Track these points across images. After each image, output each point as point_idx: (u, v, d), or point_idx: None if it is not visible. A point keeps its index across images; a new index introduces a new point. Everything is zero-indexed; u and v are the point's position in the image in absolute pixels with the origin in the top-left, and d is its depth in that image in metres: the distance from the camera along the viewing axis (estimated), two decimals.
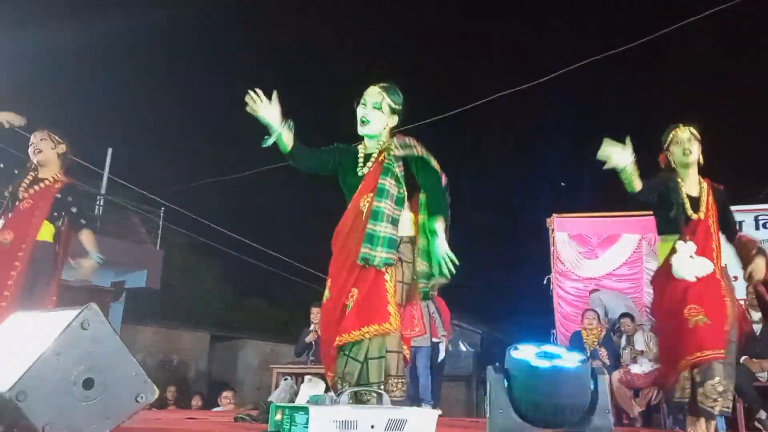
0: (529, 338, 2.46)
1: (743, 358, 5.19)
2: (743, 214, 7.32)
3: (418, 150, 3.00)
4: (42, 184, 3.87)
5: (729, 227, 3.71)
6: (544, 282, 7.88)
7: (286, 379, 6.52)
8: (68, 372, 2.14)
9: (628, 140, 3.25)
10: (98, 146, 11.41)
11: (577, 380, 2.37)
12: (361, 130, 3.01)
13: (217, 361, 13.02)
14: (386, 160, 2.94)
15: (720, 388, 3.25)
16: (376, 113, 2.97)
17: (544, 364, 2.31)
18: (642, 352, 6.07)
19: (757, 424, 5.02)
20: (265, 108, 2.90)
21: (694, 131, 3.58)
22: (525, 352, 2.36)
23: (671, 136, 3.61)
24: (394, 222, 2.86)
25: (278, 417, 1.90)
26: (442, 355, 6.80)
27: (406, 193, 2.95)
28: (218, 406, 8.29)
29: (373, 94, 3.00)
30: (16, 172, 3.96)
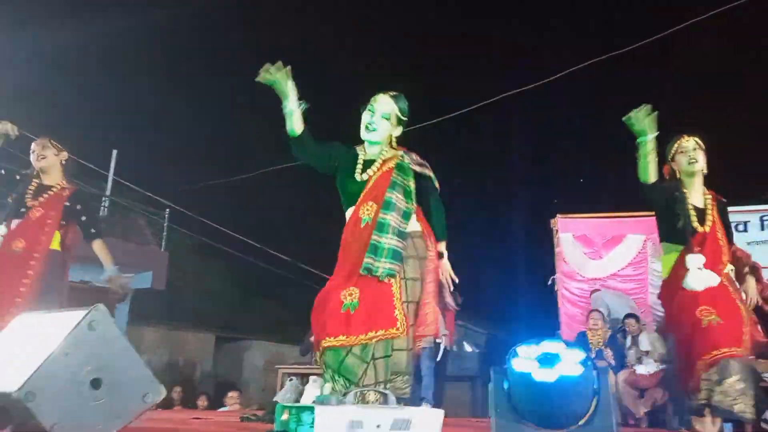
0: (533, 337, 2.46)
1: (749, 358, 5.19)
2: (749, 215, 7.32)
3: (429, 170, 3.04)
4: (50, 192, 3.88)
5: (730, 239, 3.73)
6: (549, 282, 7.88)
7: (291, 380, 6.54)
8: (76, 372, 2.17)
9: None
10: (103, 148, 11.45)
11: (580, 386, 2.37)
12: (365, 136, 3.02)
13: (222, 362, 13.03)
14: (394, 174, 2.95)
15: (739, 386, 3.24)
16: (384, 122, 2.99)
17: (545, 376, 2.30)
18: (647, 352, 6.07)
19: (763, 424, 5.01)
20: (281, 75, 2.89)
21: (699, 141, 3.60)
22: (525, 362, 2.35)
23: (676, 145, 3.63)
24: (401, 234, 2.87)
25: (284, 417, 1.91)
26: (440, 355, 6.77)
27: (414, 207, 2.97)
28: (224, 406, 8.32)
29: (384, 102, 3.00)
30: (18, 178, 3.96)
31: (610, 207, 8.19)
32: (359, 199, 2.93)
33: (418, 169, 3.00)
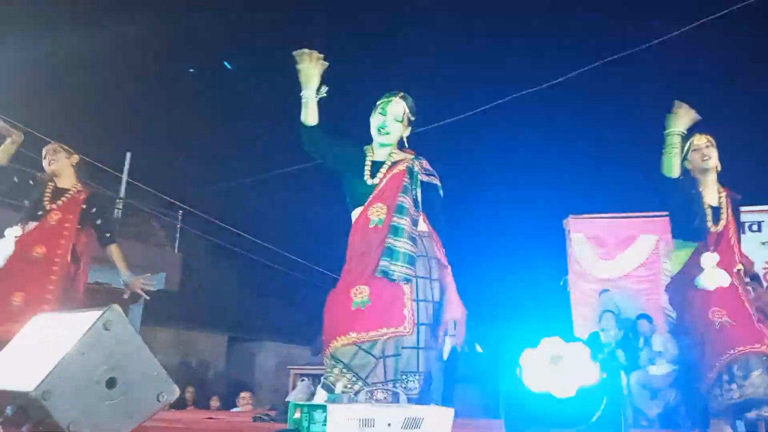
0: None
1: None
2: (762, 214, 7.26)
3: (437, 179, 3.05)
4: (67, 195, 3.92)
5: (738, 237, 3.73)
6: (561, 283, 7.86)
7: (303, 380, 6.57)
8: (92, 372, 2.19)
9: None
10: (117, 150, 11.53)
11: (589, 394, 2.37)
12: (378, 139, 3.03)
13: (235, 363, 13.09)
14: (406, 179, 2.96)
15: (764, 377, 3.25)
16: (397, 125, 3.01)
17: (555, 390, 2.30)
18: (659, 353, 6.04)
19: None
20: (315, 63, 2.93)
21: (711, 139, 3.61)
22: (534, 371, 2.35)
23: (688, 144, 3.63)
24: (413, 239, 2.89)
25: (297, 415, 1.93)
26: (446, 354, 6.73)
27: (421, 216, 2.99)
28: (236, 407, 8.36)
29: (396, 105, 3.02)
30: (31, 183, 4.00)
31: (622, 207, 8.16)
32: (368, 201, 2.94)
33: (425, 178, 3.01)
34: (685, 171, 3.68)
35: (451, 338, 6.64)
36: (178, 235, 11.90)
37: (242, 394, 8.46)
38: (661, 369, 5.96)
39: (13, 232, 3.79)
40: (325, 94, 2.97)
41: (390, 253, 2.79)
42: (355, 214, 2.98)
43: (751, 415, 3.31)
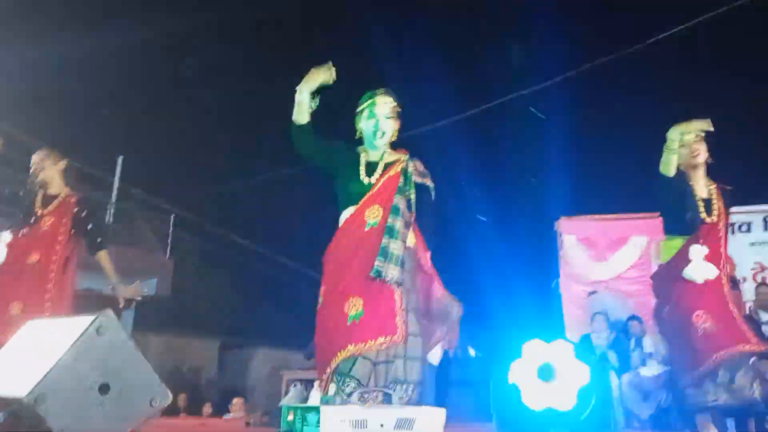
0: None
1: (752, 359, 5.19)
2: (751, 215, 7.31)
3: (429, 181, 3.06)
4: (58, 201, 3.91)
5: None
6: (553, 285, 7.88)
7: (295, 385, 6.56)
8: (85, 377, 2.19)
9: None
10: (108, 154, 11.50)
11: (581, 398, 2.39)
12: (378, 143, 3.04)
13: (227, 369, 13.05)
14: (401, 180, 2.97)
15: (749, 376, 3.29)
16: (389, 122, 3.03)
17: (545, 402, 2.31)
18: (651, 354, 6.07)
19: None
20: (324, 71, 2.97)
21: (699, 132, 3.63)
22: (529, 390, 2.35)
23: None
24: (404, 242, 2.89)
25: (290, 417, 1.94)
26: (435, 360, 6.66)
27: (414, 216, 3.00)
28: (229, 413, 8.34)
29: (382, 104, 3.04)
30: (21, 194, 3.98)
31: (613, 209, 8.19)
32: (363, 202, 2.93)
33: (419, 180, 3.02)
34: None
35: (441, 344, 6.62)
36: (169, 240, 11.87)
37: (234, 401, 8.44)
38: (652, 370, 5.98)
39: (3, 239, 3.77)
40: (317, 106, 2.99)
41: (385, 253, 2.79)
42: (346, 213, 2.97)
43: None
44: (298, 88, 2.98)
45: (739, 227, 7.24)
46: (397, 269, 2.78)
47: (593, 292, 7.50)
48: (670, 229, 3.71)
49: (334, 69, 2.98)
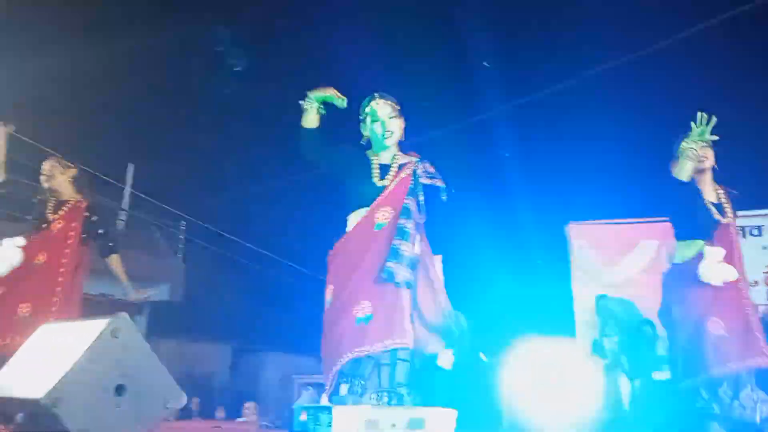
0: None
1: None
2: (763, 219, 7.26)
3: (440, 181, 3.10)
4: (68, 205, 3.96)
5: None
6: (564, 290, 7.87)
7: (307, 389, 6.59)
8: (101, 379, 2.23)
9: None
10: (120, 162, 11.59)
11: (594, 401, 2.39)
12: (388, 142, 3.10)
13: (239, 374, 13.10)
14: (412, 182, 3.01)
15: (756, 396, 3.26)
16: (394, 121, 3.09)
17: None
18: (663, 358, 6.05)
19: None
20: (335, 94, 3.04)
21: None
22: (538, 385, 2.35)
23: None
24: (414, 244, 2.92)
25: (302, 417, 1.96)
26: (448, 365, 6.65)
27: (424, 218, 3.03)
28: (241, 417, 8.38)
29: (382, 106, 3.10)
30: (34, 201, 4.04)
31: (624, 213, 8.17)
32: (374, 204, 2.97)
33: (427, 182, 3.05)
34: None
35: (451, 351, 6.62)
36: (182, 245, 11.94)
37: (247, 405, 8.48)
38: (665, 374, 5.96)
39: (16, 242, 3.81)
40: (324, 112, 3.06)
41: (396, 255, 2.82)
42: (356, 215, 3.01)
43: None
44: (308, 93, 3.03)
45: (750, 231, 7.20)
46: (409, 271, 2.81)
47: (602, 296, 7.48)
48: (681, 234, 3.71)
49: (345, 99, 3.04)
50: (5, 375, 2.53)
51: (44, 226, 3.90)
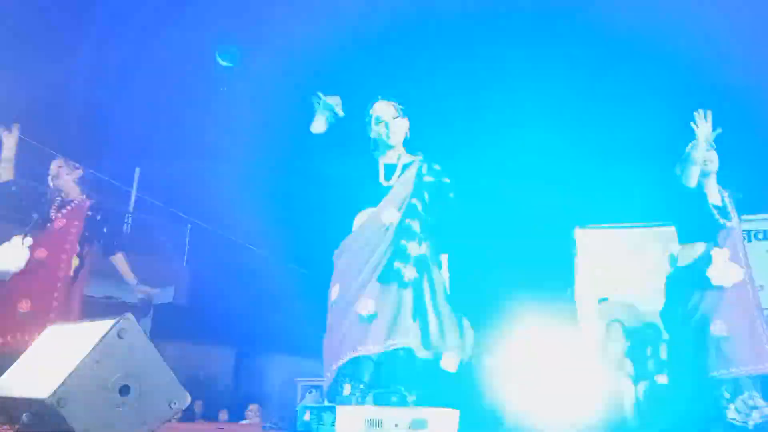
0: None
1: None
2: (766, 223, 7.25)
3: (445, 178, 3.12)
4: (72, 205, 3.99)
5: None
6: (567, 294, 7.87)
7: (311, 392, 6.60)
8: (106, 379, 2.24)
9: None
10: (126, 165, 11.63)
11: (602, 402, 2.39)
12: (393, 142, 3.14)
13: (243, 376, 13.11)
14: (416, 181, 3.04)
15: (751, 402, 3.26)
16: (397, 121, 3.12)
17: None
18: (665, 362, 6.04)
19: None
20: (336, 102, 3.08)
21: (711, 142, 3.64)
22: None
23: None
24: (420, 242, 2.94)
25: (306, 417, 1.97)
26: (452, 367, 6.62)
27: (430, 218, 3.05)
28: (245, 419, 8.39)
29: (383, 108, 3.13)
30: (42, 200, 4.07)
31: (629, 218, 8.17)
32: (381, 204, 3.00)
33: (431, 179, 3.08)
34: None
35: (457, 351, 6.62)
36: (187, 248, 11.97)
37: (250, 407, 8.50)
38: (666, 379, 5.95)
39: (25, 243, 3.83)
40: (333, 120, 3.09)
41: (402, 255, 2.84)
42: (362, 215, 3.03)
43: None
44: (320, 99, 3.06)
45: (756, 235, 7.18)
46: (415, 270, 2.83)
47: (604, 299, 7.47)
48: (685, 237, 3.71)
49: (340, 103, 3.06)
50: (11, 375, 2.55)
51: (47, 225, 3.92)
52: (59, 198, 4.04)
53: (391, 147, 3.15)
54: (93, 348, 2.24)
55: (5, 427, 2.38)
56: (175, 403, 2.39)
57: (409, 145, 3.25)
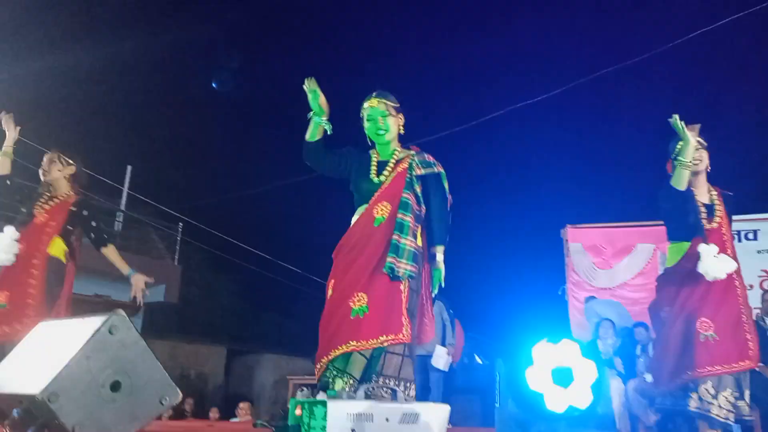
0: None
1: (759, 365, 5.18)
2: (758, 223, 7.29)
3: (438, 167, 3.12)
4: (56, 200, 3.97)
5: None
6: (559, 292, 7.90)
7: (302, 390, 6.59)
8: (97, 375, 2.24)
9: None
10: (118, 163, 11.61)
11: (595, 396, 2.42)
12: (378, 140, 3.14)
13: (233, 375, 13.10)
14: (408, 175, 3.04)
15: (731, 400, 3.30)
16: (387, 119, 3.12)
17: (556, 405, 2.34)
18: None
19: None
20: (313, 86, 3.04)
21: (701, 140, 3.66)
22: (551, 394, 2.38)
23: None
24: (415, 236, 2.95)
25: (298, 412, 1.98)
26: (444, 366, 6.58)
27: (424, 210, 3.05)
28: (235, 417, 8.38)
29: (378, 103, 3.13)
30: (32, 195, 4.04)
31: (619, 217, 8.22)
32: (373, 199, 3.01)
33: (423, 171, 3.09)
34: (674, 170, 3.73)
35: (450, 349, 6.60)
36: (178, 247, 11.95)
37: (241, 405, 8.47)
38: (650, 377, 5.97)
39: (12, 235, 3.80)
40: (330, 132, 3.10)
41: (396, 249, 2.85)
42: (358, 212, 3.05)
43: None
44: (314, 105, 3.06)
45: (746, 235, 7.23)
46: (409, 265, 2.84)
47: (591, 298, 7.51)
48: (673, 235, 3.73)
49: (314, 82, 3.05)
50: (1, 371, 2.54)
51: (32, 219, 3.90)
52: (47, 193, 4.01)
53: (383, 143, 3.16)
54: (84, 344, 2.24)
55: None
56: (166, 399, 2.39)
57: (404, 140, 3.24)
